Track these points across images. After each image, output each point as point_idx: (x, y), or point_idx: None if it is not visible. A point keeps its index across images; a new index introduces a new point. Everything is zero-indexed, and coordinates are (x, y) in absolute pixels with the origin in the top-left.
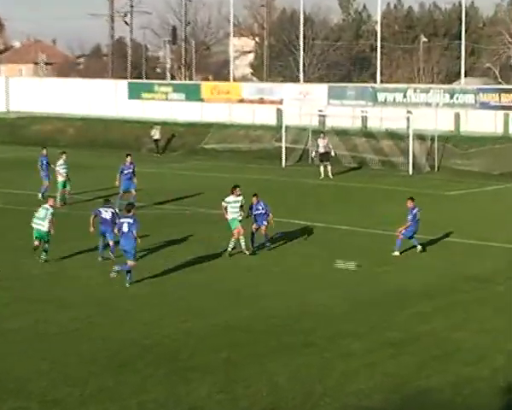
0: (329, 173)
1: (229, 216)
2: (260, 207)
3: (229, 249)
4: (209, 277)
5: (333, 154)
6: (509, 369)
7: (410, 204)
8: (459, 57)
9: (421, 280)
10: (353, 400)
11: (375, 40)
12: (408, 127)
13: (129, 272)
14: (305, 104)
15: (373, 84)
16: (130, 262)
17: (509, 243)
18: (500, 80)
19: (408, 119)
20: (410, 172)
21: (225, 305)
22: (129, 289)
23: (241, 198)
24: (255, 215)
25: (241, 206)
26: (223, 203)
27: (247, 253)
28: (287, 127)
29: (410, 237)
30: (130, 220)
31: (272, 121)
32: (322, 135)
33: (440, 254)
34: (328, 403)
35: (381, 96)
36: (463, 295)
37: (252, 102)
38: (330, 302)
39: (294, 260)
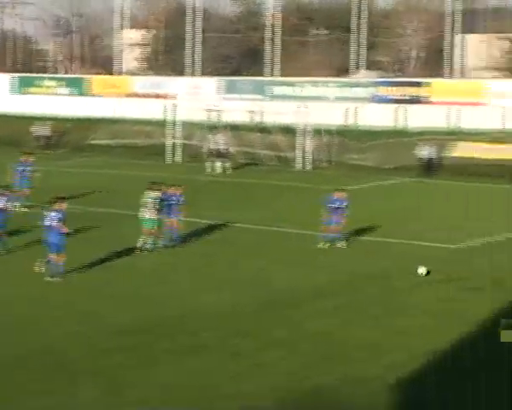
0: (226, 170)
1: (147, 214)
2: (175, 198)
3: (139, 245)
4: (101, 278)
5: (230, 150)
6: (402, 366)
7: (338, 195)
8: (355, 50)
9: (315, 278)
10: (246, 401)
11: (270, 33)
12: (302, 122)
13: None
14: (198, 98)
15: (268, 78)
16: (52, 256)
17: (404, 239)
18: (396, 74)
19: (302, 113)
20: (305, 168)
21: (119, 307)
22: (15, 291)
23: (155, 195)
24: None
25: (159, 203)
26: (143, 200)
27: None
28: (180, 122)
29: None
30: (57, 214)
31: (165, 116)
32: (219, 130)
33: (335, 252)
34: (222, 405)
35: (275, 90)
36: (359, 292)
37: (144, 96)
38: (223, 302)
39: (190, 259)
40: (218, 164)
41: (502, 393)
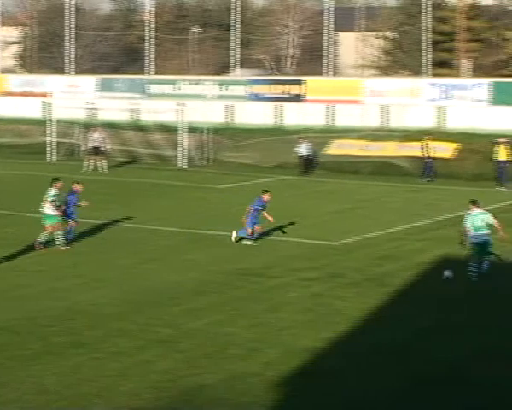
0: (104, 168)
1: (48, 211)
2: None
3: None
4: None
5: (107, 148)
6: (280, 363)
7: (266, 197)
8: (231, 48)
9: (193, 276)
10: (124, 400)
11: (146, 31)
12: (180, 120)
13: None
14: (74, 97)
15: (144, 76)
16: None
17: (280, 237)
18: (273, 72)
19: (180, 111)
20: (183, 166)
21: None
22: None
23: (55, 192)
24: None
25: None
26: (47, 199)
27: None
28: (55, 121)
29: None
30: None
31: (40, 114)
32: (96, 128)
33: (212, 250)
34: (99, 404)
35: (152, 89)
36: (235, 290)
37: (20, 94)
38: (100, 301)
39: (64, 258)
40: (104, 162)
41: (375, 390)
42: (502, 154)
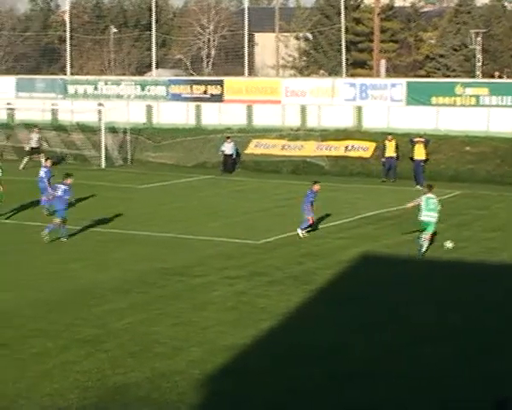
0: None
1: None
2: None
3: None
4: None
5: (26, 148)
6: (205, 361)
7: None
8: (150, 48)
9: (114, 275)
10: (48, 401)
11: (64, 31)
12: (100, 120)
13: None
14: None
15: (63, 76)
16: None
17: (202, 236)
18: (191, 72)
19: (99, 111)
20: (103, 166)
21: None
22: None
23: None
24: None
25: None
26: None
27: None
28: None
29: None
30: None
31: None
32: (32, 129)
33: (133, 248)
34: (22, 405)
35: (71, 89)
36: (159, 289)
37: None
38: (20, 302)
39: None
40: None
41: (296, 388)
42: (419, 153)
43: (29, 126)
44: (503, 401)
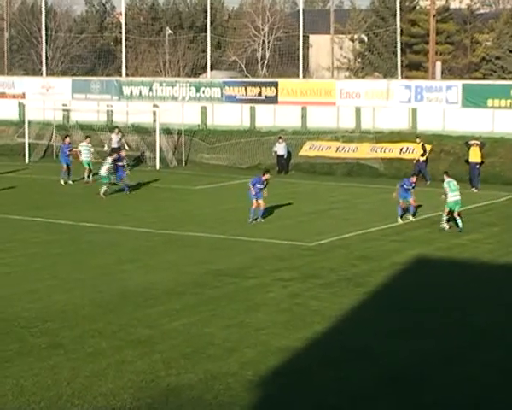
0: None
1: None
2: None
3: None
4: None
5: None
6: (258, 363)
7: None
8: (205, 50)
9: (168, 277)
10: (102, 400)
11: (120, 32)
12: (154, 121)
13: None
14: (48, 98)
15: (118, 78)
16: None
17: (256, 237)
18: (246, 73)
19: (154, 113)
20: (158, 167)
21: None
22: None
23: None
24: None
25: None
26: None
27: None
28: (30, 122)
29: None
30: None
31: (14, 116)
32: (116, 130)
33: (186, 250)
34: (77, 405)
35: (126, 90)
36: (212, 290)
37: None
38: (77, 302)
39: (39, 259)
40: None
41: (352, 389)
42: (474, 155)
43: (84, 128)
44: None
